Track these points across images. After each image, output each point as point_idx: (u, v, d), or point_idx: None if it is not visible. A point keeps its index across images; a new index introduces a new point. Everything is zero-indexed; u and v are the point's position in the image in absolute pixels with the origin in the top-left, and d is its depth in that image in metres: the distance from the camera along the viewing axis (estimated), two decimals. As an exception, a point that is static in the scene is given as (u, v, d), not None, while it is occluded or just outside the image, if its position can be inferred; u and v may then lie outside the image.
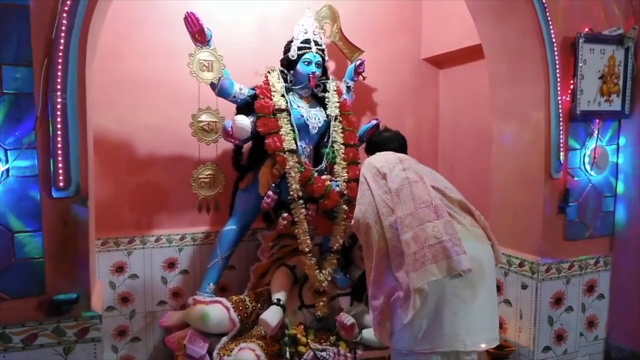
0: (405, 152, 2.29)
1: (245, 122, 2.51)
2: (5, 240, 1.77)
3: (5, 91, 1.73)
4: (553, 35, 2.48)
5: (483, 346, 1.93)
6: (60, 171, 1.81)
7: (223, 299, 2.51)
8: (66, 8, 1.78)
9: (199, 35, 2.39)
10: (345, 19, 3.10)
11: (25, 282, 1.80)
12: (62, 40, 1.78)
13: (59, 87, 1.78)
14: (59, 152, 1.80)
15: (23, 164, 1.78)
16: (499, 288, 2.71)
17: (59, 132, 1.80)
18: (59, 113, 1.79)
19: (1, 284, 1.78)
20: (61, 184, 1.82)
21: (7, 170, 1.76)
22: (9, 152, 1.76)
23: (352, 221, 2.09)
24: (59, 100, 1.79)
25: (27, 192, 1.79)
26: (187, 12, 2.37)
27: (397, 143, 2.32)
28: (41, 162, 1.80)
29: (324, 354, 2.37)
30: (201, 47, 2.41)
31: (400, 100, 3.47)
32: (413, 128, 3.50)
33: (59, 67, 1.78)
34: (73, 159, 1.83)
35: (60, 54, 1.78)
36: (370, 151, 2.34)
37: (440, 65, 3.56)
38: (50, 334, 1.84)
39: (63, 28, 1.78)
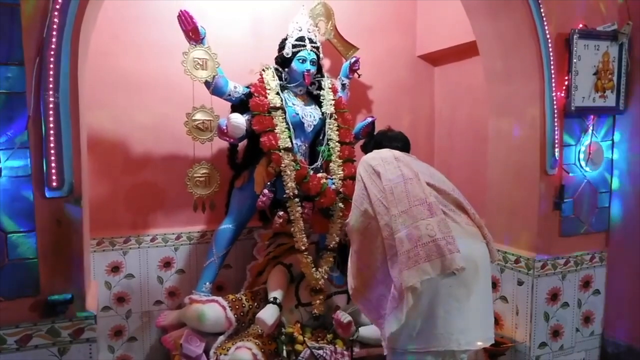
0: (407, 152, 2.27)
1: (240, 120, 2.50)
2: (-2, 240, 1.76)
3: (-4, 90, 1.72)
4: (547, 32, 2.47)
5: (480, 344, 1.93)
6: (53, 171, 1.80)
7: (219, 298, 2.50)
8: (57, 6, 1.76)
9: (192, 33, 2.38)
10: (339, 16, 3.10)
11: (19, 282, 1.79)
12: (53, 39, 1.76)
13: (51, 86, 1.77)
14: (52, 151, 1.78)
15: (16, 164, 1.76)
16: (495, 284, 2.71)
17: (51, 132, 1.78)
18: (51, 112, 1.77)
19: (-5, 285, 1.76)
20: (54, 184, 1.80)
21: (0, 170, 1.74)
22: (1, 152, 1.74)
23: (347, 226, 2.08)
24: (51, 99, 1.77)
25: (20, 192, 1.77)
26: (181, 10, 2.36)
27: (399, 143, 2.31)
28: (34, 161, 1.78)
29: (320, 352, 2.37)
30: (195, 46, 2.40)
31: (395, 97, 3.47)
32: (409, 125, 3.50)
33: (51, 66, 1.76)
34: (66, 159, 1.81)
35: (52, 52, 1.76)
36: (370, 149, 2.33)
37: (435, 62, 3.56)
38: (45, 334, 1.83)
39: (54, 27, 1.76)
